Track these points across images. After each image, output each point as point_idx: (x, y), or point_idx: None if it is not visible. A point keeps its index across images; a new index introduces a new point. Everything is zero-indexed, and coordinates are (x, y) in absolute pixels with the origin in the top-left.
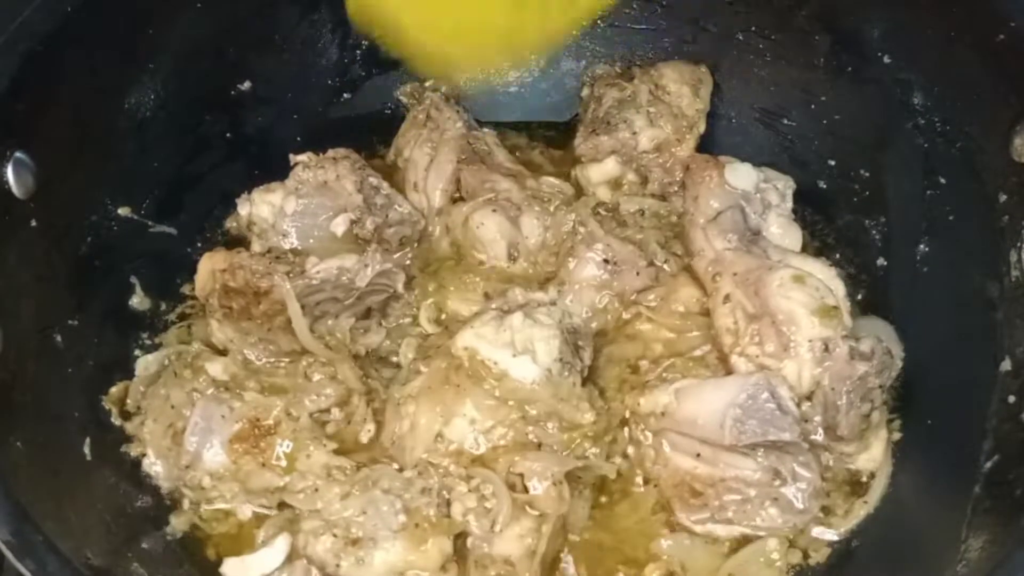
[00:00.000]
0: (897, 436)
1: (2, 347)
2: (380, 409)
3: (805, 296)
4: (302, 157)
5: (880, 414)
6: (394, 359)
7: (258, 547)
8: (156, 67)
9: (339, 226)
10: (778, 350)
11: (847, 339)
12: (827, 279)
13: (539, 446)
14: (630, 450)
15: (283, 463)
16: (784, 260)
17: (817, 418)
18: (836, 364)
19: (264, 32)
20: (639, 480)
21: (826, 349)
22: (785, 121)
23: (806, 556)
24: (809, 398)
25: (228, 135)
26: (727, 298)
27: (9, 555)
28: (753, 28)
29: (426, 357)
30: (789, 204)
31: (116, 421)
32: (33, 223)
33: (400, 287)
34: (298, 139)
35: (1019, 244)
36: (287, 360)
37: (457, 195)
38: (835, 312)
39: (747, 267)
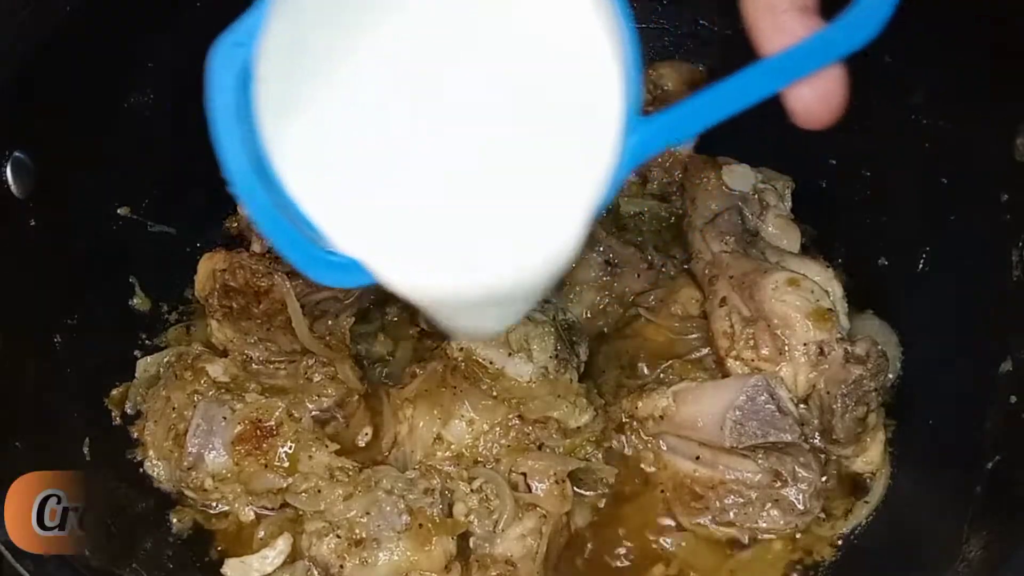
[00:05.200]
0: (897, 436)
1: (0, 347)
2: (377, 410)
3: (799, 299)
4: None
5: (876, 416)
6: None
7: (258, 547)
8: (155, 66)
9: None
10: (773, 354)
11: (842, 342)
12: (824, 281)
13: (540, 447)
14: (628, 452)
15: (285, 464)
16: (781, 261)
17: (814, 422)
18: (831, 367)
19: None
20: (643, 482)
21: (821, 352)
22: (786, 120)
23: (808, 556)
24: (805, 402)
25: None
26: (723, 301)
27: (8, 556)
28: None
29: (421, 360)
30: (788, 204)
31: (116, 422)
32: (32, 223)
33: None
34: None
35: (1021, 244)
36: (287, 360)
37: None
38: (830, 315)
39: (743, 270)
